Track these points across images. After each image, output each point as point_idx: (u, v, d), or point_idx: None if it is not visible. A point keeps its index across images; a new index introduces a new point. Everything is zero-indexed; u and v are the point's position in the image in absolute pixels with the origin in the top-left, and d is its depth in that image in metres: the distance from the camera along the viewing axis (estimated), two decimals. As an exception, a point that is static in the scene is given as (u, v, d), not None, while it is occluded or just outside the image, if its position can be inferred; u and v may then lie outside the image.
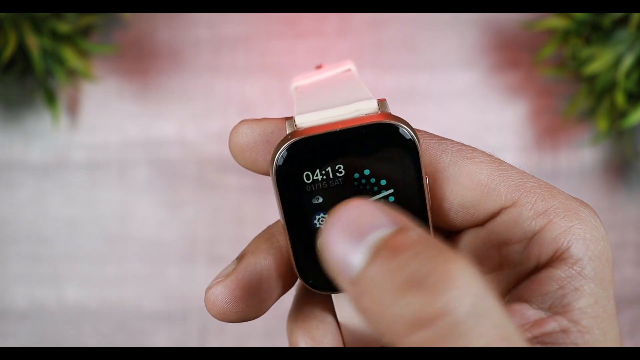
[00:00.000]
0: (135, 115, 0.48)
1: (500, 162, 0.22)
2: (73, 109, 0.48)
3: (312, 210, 0.21)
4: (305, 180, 0.21)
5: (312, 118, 0.21)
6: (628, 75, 0.41)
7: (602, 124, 0.43)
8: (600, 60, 0.41)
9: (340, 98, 0.21)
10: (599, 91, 0.43)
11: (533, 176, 0.21)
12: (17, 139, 0.48)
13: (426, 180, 0.21)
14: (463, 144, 0.22)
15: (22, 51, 0.44)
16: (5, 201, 0.48)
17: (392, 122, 0.20)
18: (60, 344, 0.47)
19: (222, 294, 0.21)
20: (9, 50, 0.42)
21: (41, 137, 0.48)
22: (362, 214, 0.17)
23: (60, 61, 0.44)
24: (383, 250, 0.16)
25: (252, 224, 0.47)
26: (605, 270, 0.20)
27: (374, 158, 0.20)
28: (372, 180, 0.21)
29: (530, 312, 0.20)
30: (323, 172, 0.20)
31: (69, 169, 0.48)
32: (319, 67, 0.28)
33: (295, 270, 0.22)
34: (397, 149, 0.20)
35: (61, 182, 0.48)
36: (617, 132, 0.46)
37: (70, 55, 0.44)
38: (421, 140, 0.21)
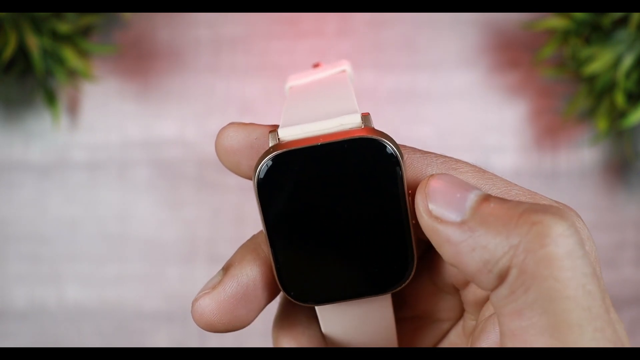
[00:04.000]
0: (135, 115, 0.48)
1: (484, 172, 0.22)
2: (73, 109, 0.48)
3: (294, 222, 0.21)
4: (287, 193, 0.20)
5: (295, 132, 0.20)
6: (628, 75, 0.41)
7: (601, 124, 0.43)
8: (600, 60, 0.41)
9: (325, 110, 0.21)
10: (599, 91, 0.43)
11: (516, 184, 0.22)
12: (17, 139, 0.48)
13: (408, 197, 0.21)
14: (446, 156, 0.22)
15: (22, 51, 0.44)
16: (5, 201, 0.48)
17: (375, 137, 0.20)
18: (60, 344, 0.47)
19: (209, 307, 0.22)
20: (9, 50, 0.42)
21: (41, 137, 0.48)
22: (456, 180, 0.20)
23: (60, 61, 0.44)
24: (491, 197, 0.19)
25: (252, 224, 0.47)
26: (595, 267, 0.20)
27: (356, 173, 0.20)
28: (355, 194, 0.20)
29: None
30: (304, 185, 0.20)
31: (69, 169, 0.48)
32: (316, 65, 0.28)
33: (277, 281, 0.22)
34: (380, 163, 0.20)
35: (61, 182, 0.48)
36: (617, 132, 0.46)
37: (70, 55, 0.44)
38: (405, 155, 0.21)
